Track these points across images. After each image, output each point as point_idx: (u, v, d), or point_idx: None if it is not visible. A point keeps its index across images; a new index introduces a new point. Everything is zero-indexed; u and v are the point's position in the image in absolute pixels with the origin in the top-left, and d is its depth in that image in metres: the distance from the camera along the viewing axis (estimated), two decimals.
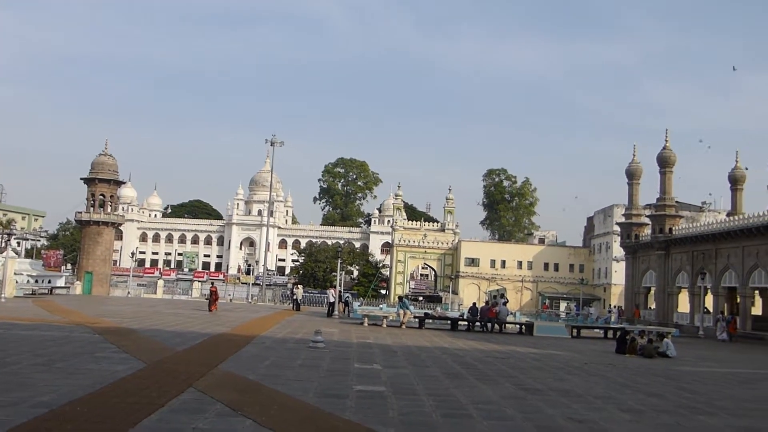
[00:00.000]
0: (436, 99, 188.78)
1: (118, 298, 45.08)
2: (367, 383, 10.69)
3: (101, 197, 52.04)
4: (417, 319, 27.74)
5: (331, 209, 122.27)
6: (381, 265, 79.59)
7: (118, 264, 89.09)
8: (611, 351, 20.43)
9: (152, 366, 11.30)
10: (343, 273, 56.14)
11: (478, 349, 18.72)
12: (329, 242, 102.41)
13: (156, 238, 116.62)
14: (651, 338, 20.72)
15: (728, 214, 43.72)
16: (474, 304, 31.80)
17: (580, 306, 57.95)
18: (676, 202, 44.51)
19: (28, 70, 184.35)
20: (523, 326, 28.82)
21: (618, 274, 60.26)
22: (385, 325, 26.10)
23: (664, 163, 42.74)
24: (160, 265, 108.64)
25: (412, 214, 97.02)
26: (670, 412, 9.60)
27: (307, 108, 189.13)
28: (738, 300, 36.21)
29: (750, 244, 34.22)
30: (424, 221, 76.55)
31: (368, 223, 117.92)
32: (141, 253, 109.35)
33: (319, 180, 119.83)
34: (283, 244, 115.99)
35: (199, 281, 76.03)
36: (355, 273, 78.36)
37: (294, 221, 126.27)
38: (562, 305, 63.53)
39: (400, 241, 66.54)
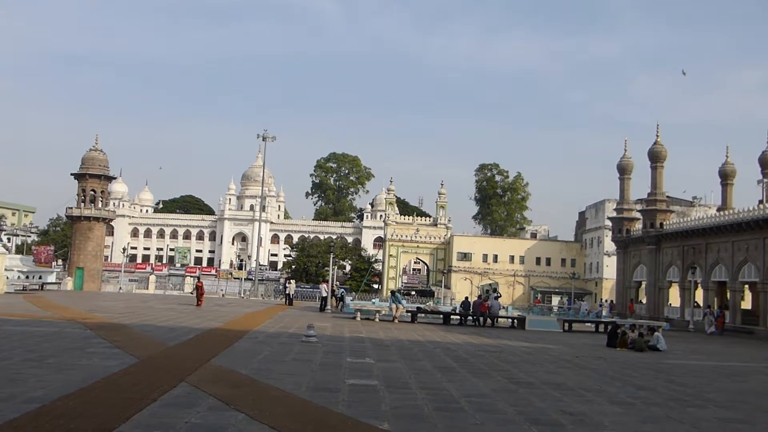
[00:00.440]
0: (428, 94, 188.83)
1: (109, 294, 44.92)
2: (360, 377, 10.71)
3: (92, 193, 51.80)
4: (409, 314, 27.81)
5: (323, 204, 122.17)
6: (373, 259, 79.62)
7: (109, 260, 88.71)
8: (602, 345, 20.56)
9: (144, 361, 11.29)
10: (336, 268, 56.15)
11: (470, 343, 18.79)
12: (321, 237, 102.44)
13: (147, 234, 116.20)
14: (642, 332, 20.88)
15: (719, 209, 43.99)
16: (466, 298, 31.87)
17: (572, 300, 58.20)
18: (667, 196, 44.72)
19: (17, 65, 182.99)
20: (515, 320, 28.94)
21: (609, 268, 60.54)
22: (377, 320, 26.15)
23: (655, 158, 42.91)
24: (152, 260, 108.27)
25: (405, 208, 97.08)
26: (660, 405, 9.68)
27: (299, 103, 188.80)
28: (728, 294, 36.47)
29: (740, 239, 34.45)
30: (417, 216, 76.56)
31: (360, 218, 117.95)
32: (132, 248, 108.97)
33: (312, 175, 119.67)
34: (275, 239, 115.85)
35: (191, 276, 75.64)
36: (348, 268, 78.36)
37: (286, 216, 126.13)
38: (554, 299, 63.77)
39: (392, 235, 66.57)
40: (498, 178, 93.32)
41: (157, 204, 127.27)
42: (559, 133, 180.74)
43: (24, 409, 6.95)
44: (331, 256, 42.33)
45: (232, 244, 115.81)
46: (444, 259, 67.00)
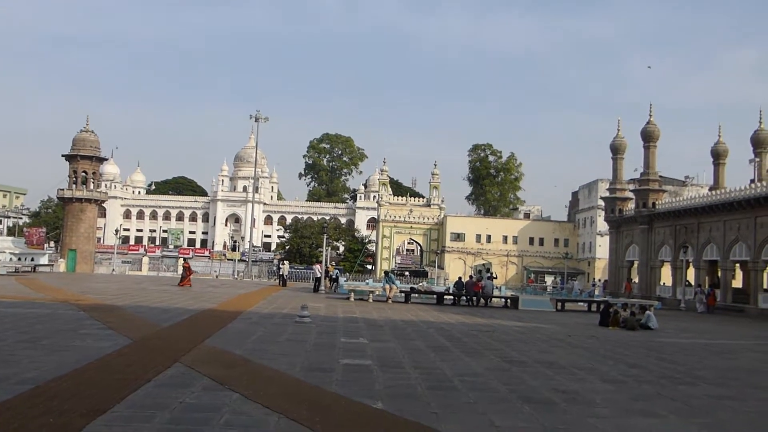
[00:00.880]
0: (421, 75, 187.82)
1: (102, 276, 44.84)
2: (354, 357, 10.75)
3: (83, 174, 51.48)
4: (403, 294, 27.90)
5: (316, 185, 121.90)
6: (367, 240, 79.69)
7: (102, 241, 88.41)
8: (595, 324, 20.70)
9: (138, 342, 11.29)
10: (329, 249, 56.16)
11: (464, 323, 18.88)
12: (315, 218, 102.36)
13: (140, 215, 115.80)
14: (633, 311, 21.00)
15: (710, 189, 44.16)
16: (460, 278, 31.98)
17: (565, 280, 58.53)
18: (660, 176, 44.84)
19: (6, 47, 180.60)
20: (508, 300, 29.09)
21: (602, 248, 60.87)
22: (371, 300, 26.22)
23: (648, 137, 42.95)
24: (145, 242, 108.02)
25: (398, 189, 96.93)
26: (651, 383, 9.76)
27: (291, 84, 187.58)
28: (719, 273, 36.75)
29: (731, 218, 34.64)
30: (410, 196, 76.59)
31: (354, 198, 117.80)
32: (125, 230, 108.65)
33: (305, 156, 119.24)
34: (268, 221, 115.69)
35: (184, 258, 75.74)
36: (341, 248, 78.46)
37: (280, 197, 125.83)
38: (548, 279, 64.13)
39: (385, 216, 66.61)
40: (491, 158, 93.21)
41: (150, 185, 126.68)
42: (552, 113, 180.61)
43: (17, 390, 6.94)
44: (325, 237, 42.34)
45: (225, 225, 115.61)
46: (437, 239, 67.16)
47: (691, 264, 38.32)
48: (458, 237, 67.39)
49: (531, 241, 68.72)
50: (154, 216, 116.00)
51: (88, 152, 51.27)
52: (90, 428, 5.72)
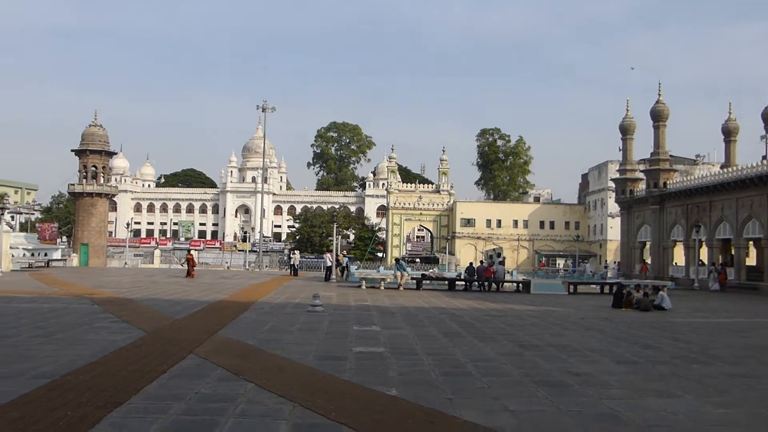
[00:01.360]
0: (428, 60, 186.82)
1: (115, 269, 45.15)
2: (366, 345, 10.77)
3: (93, 168, 51.66)
4: (414, 281, 27.91)
5: (325, 174, 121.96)
6: (377, 228, 79.74)
7: (113, 235, 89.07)
8: (608, 306, 20.63)
9: (152, 334, 11.36)
10: (340, 237, 56.26)
11: (476, 308, 18.87)
12: (324, 207, 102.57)
13: (150, 208, 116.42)
14: (647, 292, 20.90)
15: (722, 167, 43.72)
16: (471, 264, 31.94)
17: (577, 263, 58.35)
18: (670, 155, 44.44)
19: (15, 41, 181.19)
20: (520, 284, 29.03)
21: (613, 230, 60.61)
22: (382, 288, 26.26)
23: (658, 116, 42.51)
24: (156, 234, 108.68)
25: (407, 176, 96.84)
26: (665, 363, 9.73)
27: (299, 74, 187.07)
28: (732, 251, 36.48)
29: (744, 196, 34.32)
30: (419, 183, 76.45)
31: (363, 186, 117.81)
32: (136, 223, 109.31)
33: (313, 145, 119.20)
34: (278, 210, 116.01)
35: (196, 250, 76.13)
36: (352, 237, 78.58)
37: (288, 187, 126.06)
38: (559, 262, 63.98)
39: (395, 203, 66.56)
40: (500, 142, 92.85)
41: (159, 178, 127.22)
42: (560, 95, 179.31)
43: (35, 384, 7.01)
44: (335, 225, 42.38)
45: (235, 216, 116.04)
46: (447, 225, 67.08)
47: (704, 243, 38.05)
48: (468, 222, 67.28)
49: (542, 224, 68.49)
50: (164, 209, 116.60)
51: (98, 147, 51.41)
52: (107, 420, 5.77)
